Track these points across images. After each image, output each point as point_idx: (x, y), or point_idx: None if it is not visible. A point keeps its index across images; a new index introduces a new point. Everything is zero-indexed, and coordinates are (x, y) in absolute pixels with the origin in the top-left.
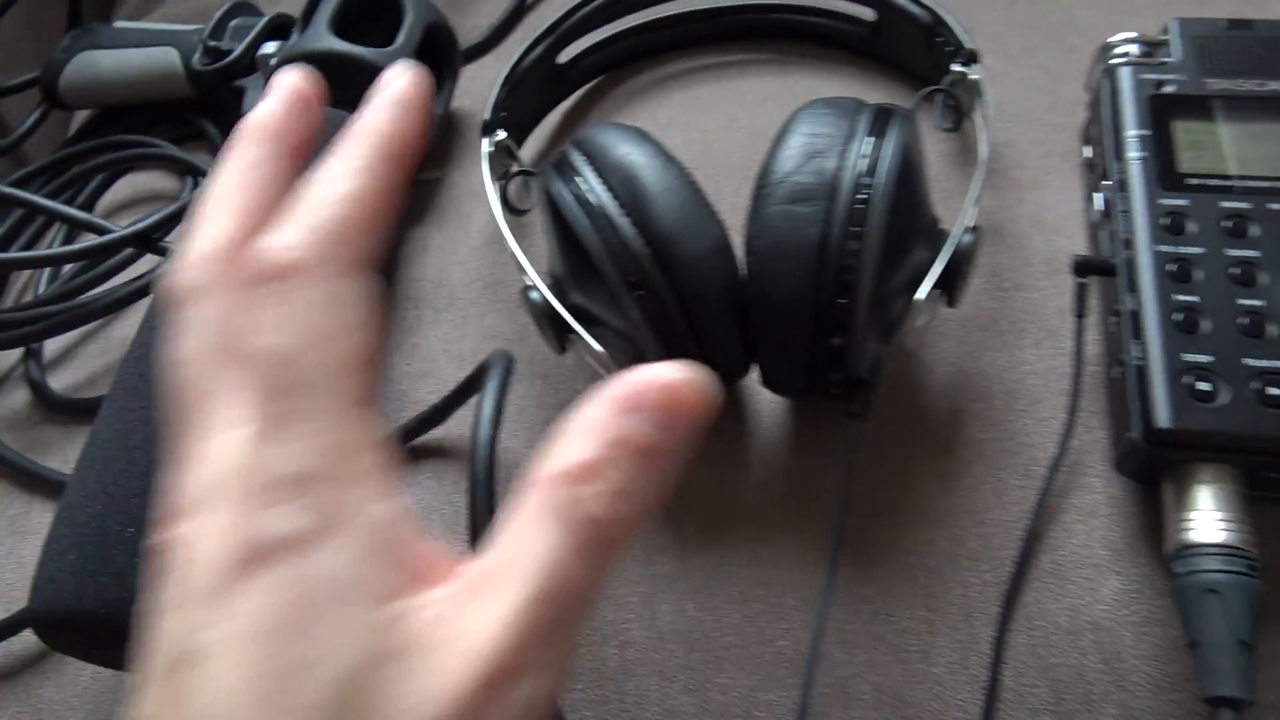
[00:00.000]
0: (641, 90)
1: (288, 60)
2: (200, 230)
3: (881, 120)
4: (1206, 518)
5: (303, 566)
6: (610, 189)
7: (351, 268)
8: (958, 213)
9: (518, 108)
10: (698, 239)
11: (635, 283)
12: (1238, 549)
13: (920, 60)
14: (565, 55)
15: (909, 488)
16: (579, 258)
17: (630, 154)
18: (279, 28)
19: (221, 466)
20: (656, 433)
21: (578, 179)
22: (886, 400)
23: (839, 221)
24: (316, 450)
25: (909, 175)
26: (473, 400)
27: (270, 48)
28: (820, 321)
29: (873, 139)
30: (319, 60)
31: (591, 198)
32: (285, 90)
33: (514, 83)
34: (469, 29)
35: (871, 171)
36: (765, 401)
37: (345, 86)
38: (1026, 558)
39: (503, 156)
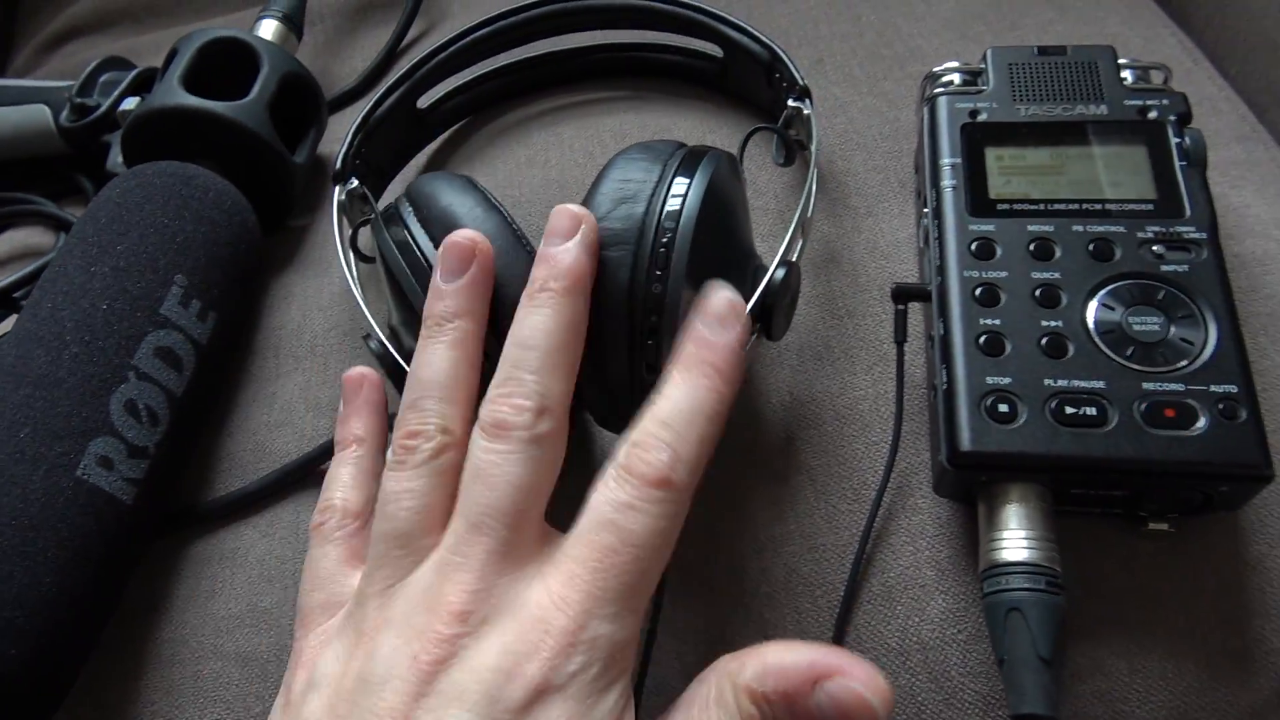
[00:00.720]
0: (505, 131)
1: (139, 118)
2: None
3: (691, 162)
4: (1010, 536)
5: None
6: (433, 238)
7: None
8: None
9: (376, 154)
10: (515, 285)
11: None
12: (1040, 567)
13: (763, 95)
14: (426, 100)
15: (744, 516)
16: (407, 306)
17: (453, 203)
18: (145, 82)
19: None
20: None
21: (404, 229)
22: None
23: (644, 264)
24: None
25: (716, 215)
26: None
27: (130, 104)
28: (635, 362)
29: (682, 181)
30: (169, 116)
31: (414, 247)
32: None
33: (370, 130)
34: (346, 74)
35: (677, 216)
36: (601, 437)
37: (198, 140)
38: (856, 582)
39: (357, 204)
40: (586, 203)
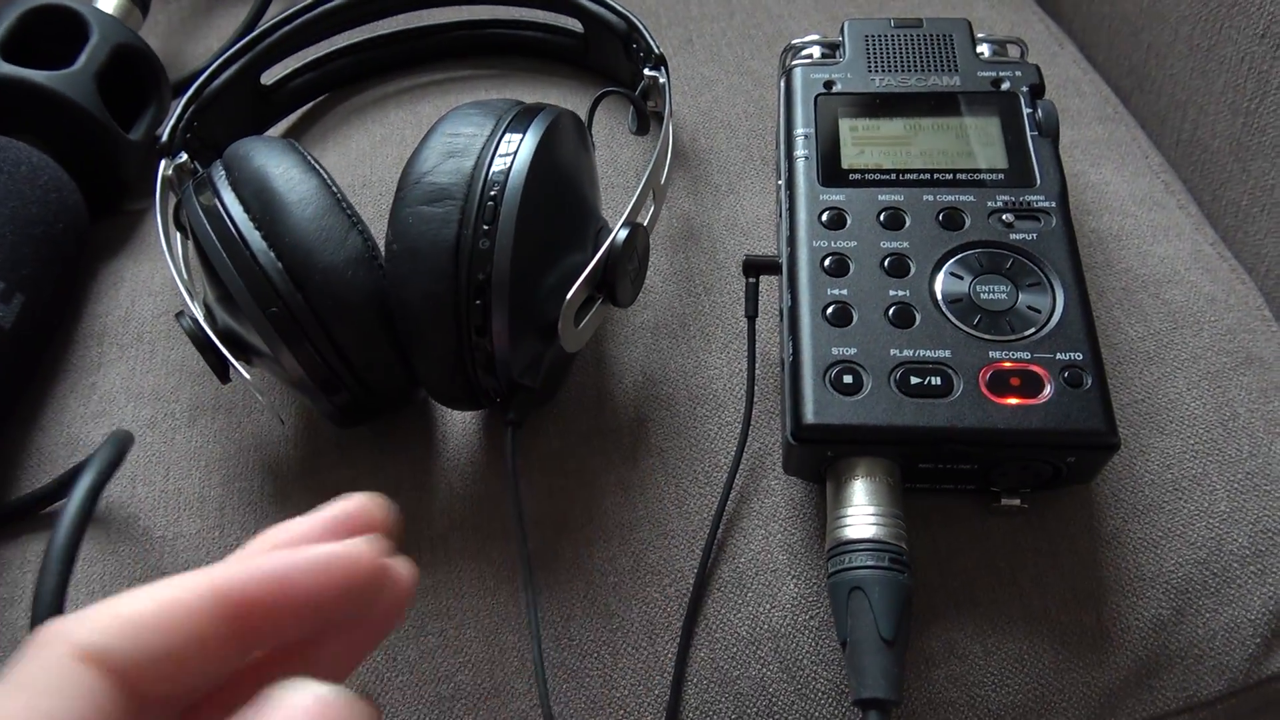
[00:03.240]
0: (361, 109)
1: None
2: None
3: (525, 118)
4: (856, 513)
5: None
6: (244, 202)
7: None
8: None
9: (214, 130)
10: (333, 250)
11: (267, 301)
12: (883, 544)
13: (623, 67)
14: (270, 76)
15: (592, 502)
16: (216, 279)
17: (267, 165)
18: None
19: None
20: None
21: (215, 195)
22: (574, 410)
23: (471, 218)
24: None
25: (549, 171)
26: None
27: None
28: (462, 325)
29: (515, 136)
30: None
31: (222, 213)
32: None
33: (204, 104)
34: (201, 54)
35: (507, 169)
36: (451, 420)
37: (17, 114)
38: (706, 569)
39: (187, 180)
40: (414, 157)
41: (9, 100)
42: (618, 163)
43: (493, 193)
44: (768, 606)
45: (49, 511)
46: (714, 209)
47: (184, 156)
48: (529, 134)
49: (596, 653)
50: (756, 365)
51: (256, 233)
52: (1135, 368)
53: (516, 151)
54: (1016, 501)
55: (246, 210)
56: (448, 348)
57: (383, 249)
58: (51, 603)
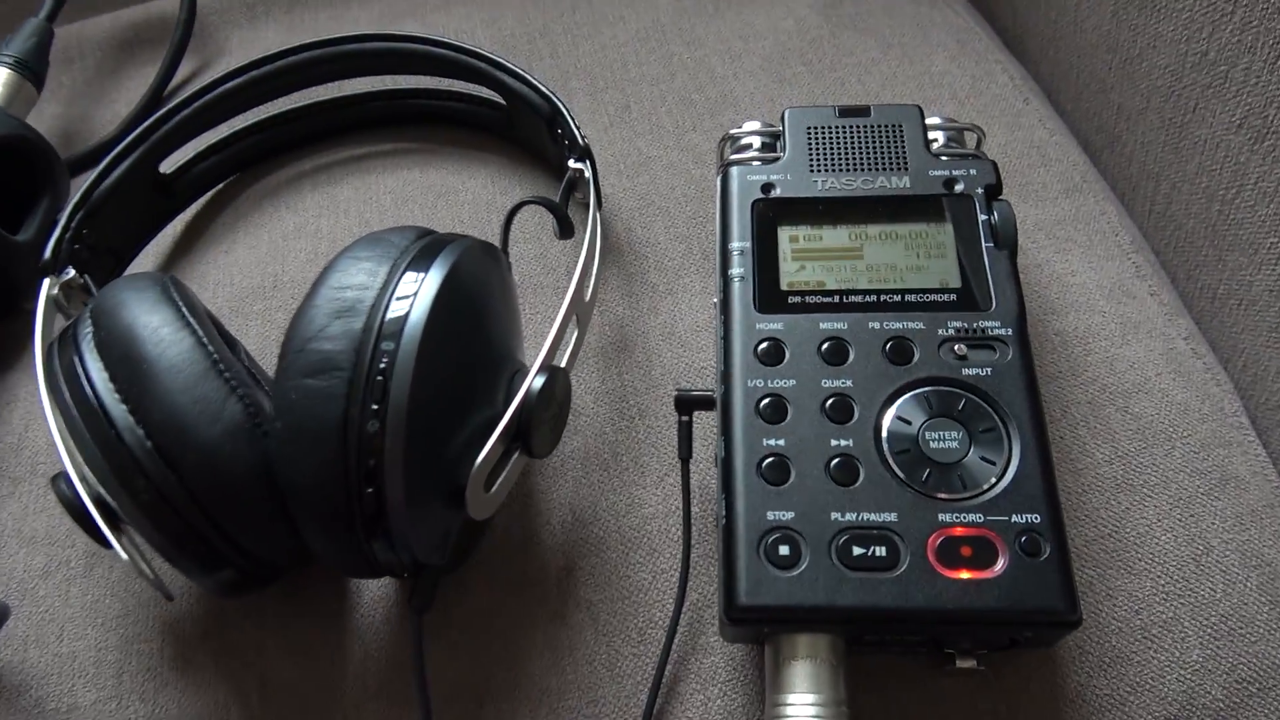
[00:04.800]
0: (274, 191)
1: None
2: None
3: (427, 258)
4: (797, 704)
5: None
6: (110, 370)
7: None
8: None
9: (108, 234)
10: (208, 423)
11: (136, 488)
12: None
13: (549, 150)
14: (170, 164)
15: (518, 665)
16: (84, 451)
17: (135, 324)
18: None
19: None
20: None
21: (79, 359)
22: (497, 559)
23: (359, 393)
24: None
25: (451, 325)
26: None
27: None
28: (355, 512)
29: (416, 278)
30: None
31: (86, 384)
32: None
33: (95, 206)
34: (109, 120)
35: (399, 333)
36: (366, 583)
37: None
38: None
39: (78, 297)
40: (299, 315)
41: None
42: (547, 259)
43: (383, 363)
44: None
45: None
46: (650, 314)
47: (70, 273)
48: (427, 281)
49: None
50: (698, 503)
51: (123, 406)
52: (1102, 497)
53: (411, 306)
54: (972, 663)
55: (113, 379)
56: (342, 534)
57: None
58: None
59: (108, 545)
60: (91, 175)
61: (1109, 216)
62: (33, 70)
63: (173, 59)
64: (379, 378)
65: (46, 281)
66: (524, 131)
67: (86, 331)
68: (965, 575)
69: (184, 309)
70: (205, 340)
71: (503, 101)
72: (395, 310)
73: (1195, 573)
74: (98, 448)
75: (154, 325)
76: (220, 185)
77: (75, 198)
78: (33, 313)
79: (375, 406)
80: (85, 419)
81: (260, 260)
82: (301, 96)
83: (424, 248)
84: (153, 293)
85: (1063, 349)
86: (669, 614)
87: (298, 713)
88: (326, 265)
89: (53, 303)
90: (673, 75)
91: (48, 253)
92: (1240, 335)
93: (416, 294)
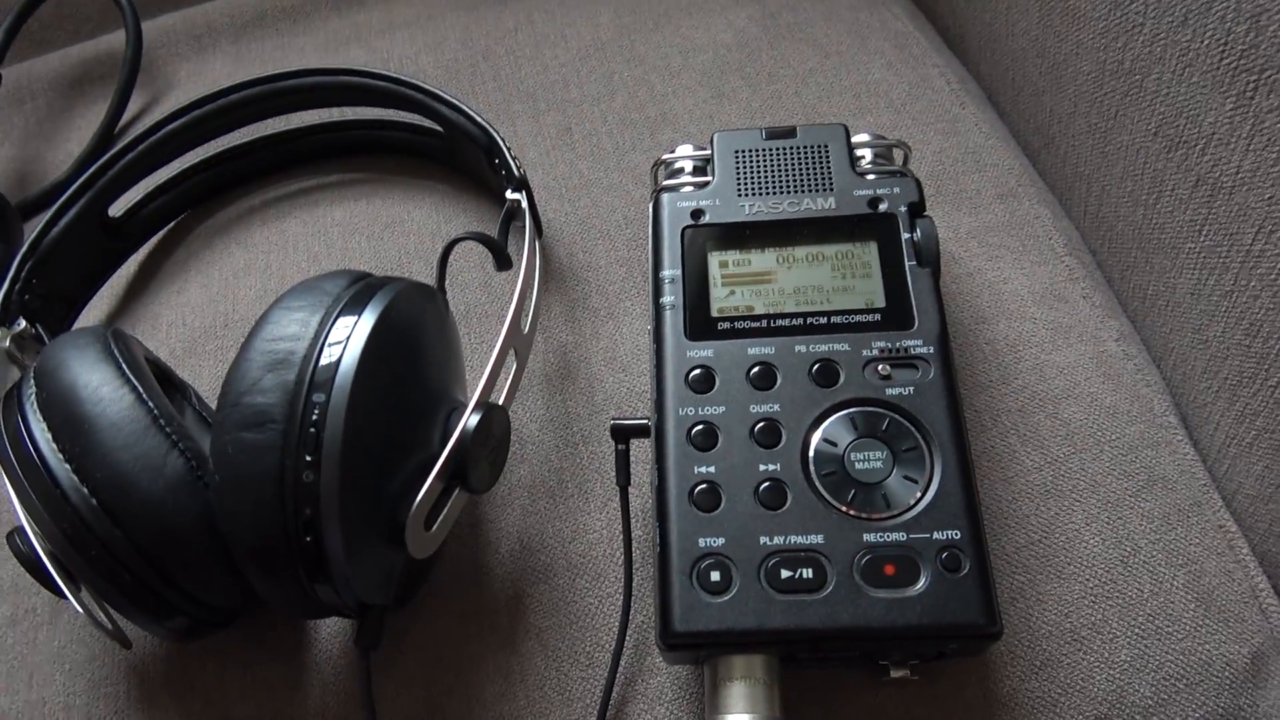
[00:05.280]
0: (224, 229)
1: None
2: None
3: (359, 303)
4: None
5: None
6: (53, 430)
7: None
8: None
9: (59, 281)
10: (150, 479)
11: (85, 545)
12: None
13: (489, 178)
14: (119, 207)
15: (472, 692)
16: (32, 510)
17: (75, 383)
18: None
19: None
20: None
21: (22, 419)
22: (449, 588)
23: (293, 445)
24: None
25: (383, 369)
26: None
27: None
28: (296, 559)
29: (348, 324)
30: None
31: (29, 444)
32: None
33: (44, 255)
34: (61, 160)
35: (330, 382)
36: (320, 621)
37: None
38: None
39: (32, 348)
40: (234, 369)
41: None
42: (491, 287)
43: (315, 413)
44: None
45: None
46: (592, 339)
47: (22, 324)
48: (359, 328)
49: None
50: (640, 526)
51: (66, 466)
52: (1031, 503)
53: (342, 355)
54: (906, 673)
55: (56, 439)
56: (285, 580)
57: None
58: None
59: (64, 597)
60: (41, 221)
61: (1043, 220)
62: None
63: (121, 96)
64: (312, 429)
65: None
66: (465, 160)
67: (30, 393)
68: (889, 593)
69: (124, 365)
70: (145, 396)
71: (440, 129)
72: (327, 358)
73: (1123, 574)
74: (43, 506)
75: (94, 384)
76: (170, 224)
77: (24, 247)
78: None
79: (309, 457)
80: (30, 478)
81: (212, 299)
82: (247, 132)
83: (356, 294)
84: (93, 350)
85: (993, 357)
86: (614, 638)
87: None
88: (260, 316)
89: (5, 355)
90: (613, 94)
91: None
92: (1169, 334)
93: (347, 341)
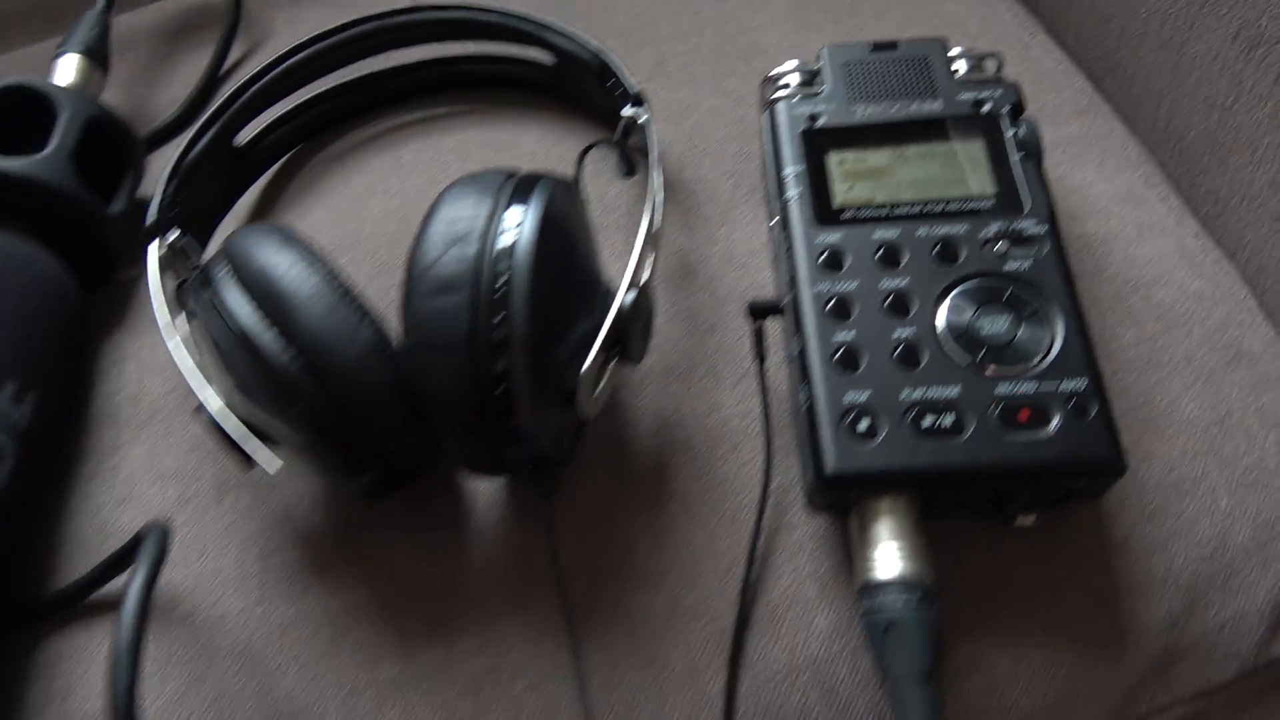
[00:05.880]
0: (340, 157)
1: None
2: None
3: (524, 192)
4: (884, 553)
5: None
6: (255, 300)
7: None
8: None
9: (196, 200)
10: (348, 344)
11: (291, 399)
12: (912, 581)
13: (600, 102)
14: (244, 136)
15: (623, 550)
16: (236, 378)
17: (272, 261)
18: None
19: None
20: None
21: (223, 294)
22: (594, 459)
23: (483, 308)
24: None
25: (555, 246)
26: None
27: None
28: (486, 414)
29: (517, 210)
30: None
31: (235, 314)
32: None
33: (183, 175)
34: (166, 104)
35: (511, 251)
36: (478, 483)
37: None
38: (743, 607)
39: (180, 258)
40: (417, 246)
41: None
42: (605, 200)
43: (502, 279)
44: (803, 637)
45: (92, 600)
46: (708, 243)
47: (175, 233)
48: (530, 210)
49: (645, 694)
50: (771, 399)
51: (271, 332)
52: (1131, 375)
53: (520, 230)
54: (1030, 520)
55: (258, 309)
56: (474, 436)
57: (394, 335)
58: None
59: (250, 466)
60: (177, 149)
61: (1116, 134)
62: (98, 56)
63: (225, 42)
64: (501, 290)
65: (154, 244)
66: (572, 88)
67: (223, 273)
68: (1023, 436)
69: (310, 247)
70: (333, 274)
71: (550, 61)
72: (504, 235)
73: (1219, 434)
74: (252, 370)
75: (287, 264)
76: (286, 156)
77: (168, 168)
78: (144, 269)
79: (500, 315)
80: (238, 346)
81: (337, 219)
82: (359, 68)
83: (519, 183)
84: (278, 236)
85: (1086, 250)
86: (755, 499)
87: (431, 604)
88: (432, 205)
89: (161, 261)
90: (702, 30)
91: (153, 215)
92: (1244, 230)
93: (524, 219)
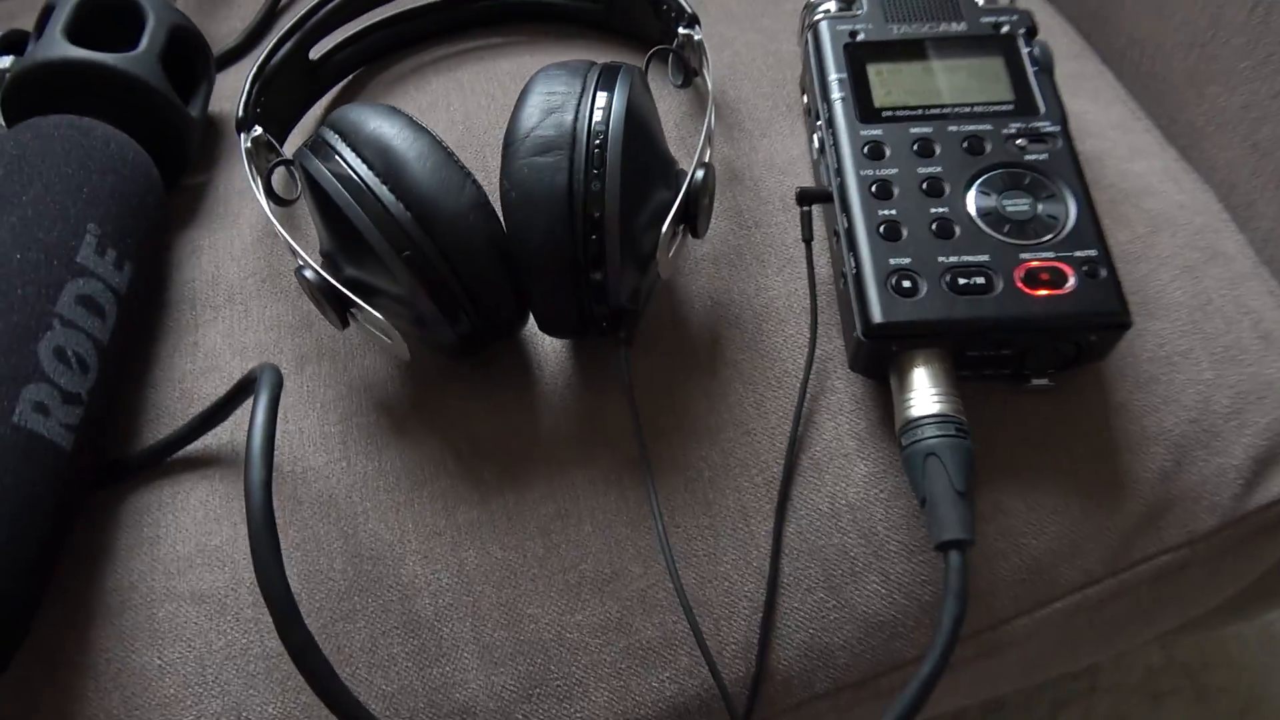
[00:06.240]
0: (401, 78)
1: (23, 73)
2: None
3: (609, 76)
4: (921, 394)
5: None
6: (366, 161)
7: None
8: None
9: (274, 106)
10: (455, 199)
11: (401, 246)
12: (948, 416)
13: (651, 27)
14: (317, 51)
15: (681, 410)
16: (346, 231)
17: (382, 127)
18: (13, 44)
19: None
20: None
21: (335, 157)
22: (653, 334)
23: (580, 166)
24: None
25: (638, 121)
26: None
27: (4, 62)
28: (578, 260)
29: (604, 92)
30: (56, 70)
31: (349, 172)
32: None
33: (265, 80)
34: (225, 34)
35: (605, 120)
36: (546, 349)
37: (89, 94)
38: (790, 458)
39: (263, 151)
40: (514, 117)
41: (83, 82)
42: (660, 110)
43: (597, 141)
44: (844, 485)
45: (175, 459)
46: (751, 152)
47: (259, 130)
48: (617, 90)
49: (700, 536)
50: (809, 283)
51: (384, 186)
52: (1126, 266)
53: (609, 105)
54: (1045, 381)
55: (371, 169)
56: (567, 281)
57: (494, 198)
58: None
59: (345, 323)
60: (263, 53)
61: (1106, 76)
62: None
63: None
64: (596, 150)
65: (243, 136)
66: (625, 18)
67: (335, 139)
68: (1044, 293)
69: (413, 119)
70: (439, 138)
71: None
72: (598, 106)
73: (1202, 317)
74: (371, 222)
75: (395, 129)
76: (352, 75)
77: (253, 70)
78: (241, 156)
79: (596, 171)
80: (358, 200)
81: None
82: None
83: (604, 69)
84: (385, 109)
85: (1085, 165)
86: (799, 367)
87: (503, 457)
88: (526, 84)
89: (247, 153)
90: None
91: (240, 111)
92: (1218, 154)
93: (611, 99)
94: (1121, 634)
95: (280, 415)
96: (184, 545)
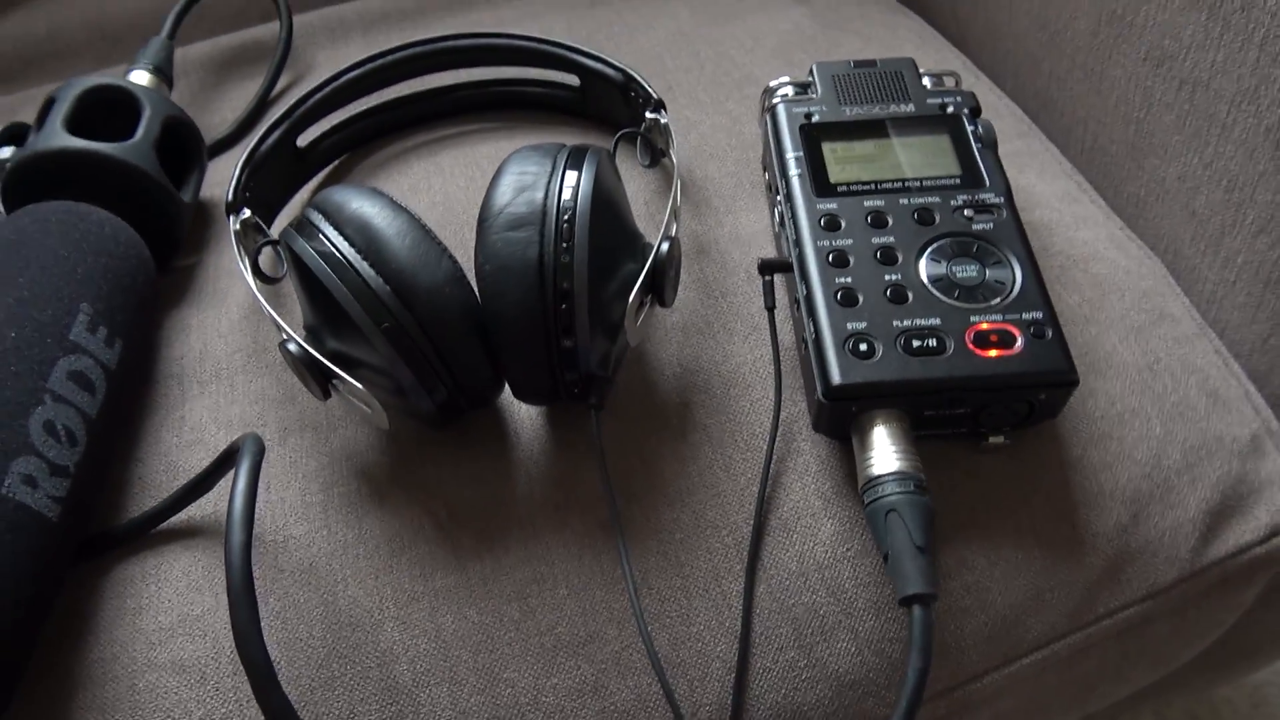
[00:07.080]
0: (385, 163)
1: (23, 163)
2: None
3: (577, 156)
4: (881, 452)
5: None
6: (348, 239)
7: None
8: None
9: (262, 190)
10: (432, 273)
11: (381, 319)
12: (907, 473)
13: (621, 113)
14: (305, 139)
15: (652, 473)
16: (328, 305)
17: (364, 207)
18: (14, 136)
19: None
20: None
21: (319, 236)
22: (626, 400)
23: (550, 240)
24: None
25: (604, 197)
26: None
27: (4, 153)
28: (549, 327)
29: (573, 171)
30: (55, 159)
31: (331, 249)
32: None
33: (254, 166)
34: (217, 123)
35: (574, 198)
36: (522, 417)
37: (87, 181)
38: (759, 519)
39: (251, 233)
40: (488, 196)
41: (81, 170)
42: (627, 189)
43: (566, 217)
44: (812, 544)
45: (159, 530)
46: (717, 226)
47: (247, 212)
48: (584, 169)
49: (673, 597)
50: (773, 349)
51: (365, 262)
52: (1076, 328)
53: (578, 183)
54: (1001, 439)
55: (353, 245)
56: (540, 348)
57: (470, 272)
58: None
59: (326, 395)
60: (253, 139)
61: (1052, 152)
62: (165, 75)
63: (276, 69)
64: (565, 225)
65: (232, 218)
66: (597, 105)
67: (317, 219)
68: (994, 353)
69: (392, 199)
70: (415, 218)
71: (574, 82)
72: (566, 184)
73: (1150, 377)
74: (351, 296)
75: (375, 209)
76: (338, 160)
77: (244, 156)
78: (229, 238)
79: (565, 245)
80: (339, 275)
81: None
82: (404, 87)
83: (573, 151)
84: (366, 190)
85: (1033, 233)
86: (766, 429)
87: (480, 523)
88: (500, 166)
89: (235, 235)
90: (701, 66)
91: (230, 196)
92: (1160, 222)
93: (580, 178)
94: (1093, 692)
95: (263, 486)
96: (166, 615)
